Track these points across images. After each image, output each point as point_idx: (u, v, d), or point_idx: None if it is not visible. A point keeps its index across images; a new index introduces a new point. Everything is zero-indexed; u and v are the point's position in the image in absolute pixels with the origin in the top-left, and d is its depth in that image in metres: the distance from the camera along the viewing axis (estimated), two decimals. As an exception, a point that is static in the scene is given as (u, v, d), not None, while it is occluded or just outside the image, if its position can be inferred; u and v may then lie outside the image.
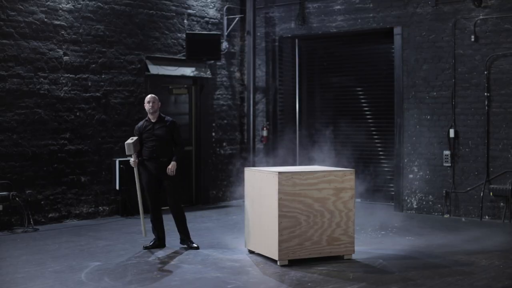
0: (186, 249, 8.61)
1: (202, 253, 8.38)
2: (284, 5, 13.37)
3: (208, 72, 12.92)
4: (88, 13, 10.98)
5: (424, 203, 11.63)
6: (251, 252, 8.38)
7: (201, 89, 12.91)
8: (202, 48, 12.33)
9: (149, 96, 8.74)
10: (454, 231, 9.99)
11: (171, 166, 8.55)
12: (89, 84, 11.05)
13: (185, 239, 8.75)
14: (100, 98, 11.20)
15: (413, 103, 11.74)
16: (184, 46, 12.36)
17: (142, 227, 8.87)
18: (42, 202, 10.42)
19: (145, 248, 8.63)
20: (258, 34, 13.67)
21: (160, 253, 8.39)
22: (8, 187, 9.92)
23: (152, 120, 8.70)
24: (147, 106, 8.67)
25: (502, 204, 10.80)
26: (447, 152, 11.32)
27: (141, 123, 8.83)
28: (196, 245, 8.66)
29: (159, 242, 8.74)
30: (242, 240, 8.86)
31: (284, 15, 13.40)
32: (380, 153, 12.87)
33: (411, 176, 11.76)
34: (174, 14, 12.33)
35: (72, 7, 10.78)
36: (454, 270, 7.50)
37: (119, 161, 11.23)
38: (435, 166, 11.48)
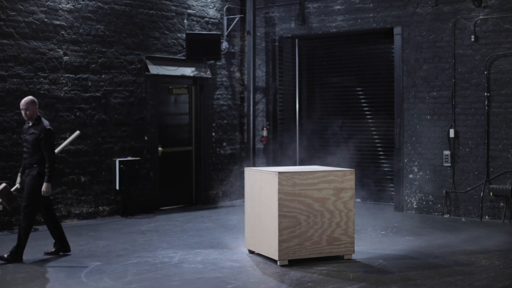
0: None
1: (202, 253, 8.38)
2: (284, 5, 13.37)
3: (208, 72, 12.92)
4: (88, 13, 10.98)
5: (424, 203, 11.63)
6: (251, 252, 8.38)
7: (201, 89, 12.91)
8: (202, 48, 12.33)
9: (21, 102, 8.09)
10: (454, 231, 9.98)
11: (45, 189, 7.91)
12: (89, 84, 11.05)
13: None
14: (100, 98, 11.19)
15: (413, 103, 11.74)
16: (184, 46, 12.35)
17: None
18: (42, 202, 10.42)
19: (46, 254, 8.28)
20: (258, 34, 13.67)
21: (160, 253, 8.38)
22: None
23: (28, 124, 8.14)
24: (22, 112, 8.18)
25: (502, 204, 10.80)
26: (447, 152, 11.32)
27: (25, 125, 8.26)
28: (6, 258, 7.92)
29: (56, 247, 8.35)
30: (242, 240, 8.86)
31: (284, 15, 13.40)
32: (380, 153, 12.87)
33: (411, 176, 11.76)
34: (174, 14, 12.32)
35: (72, 7, 10.78)
36: (454, 270, 7.50)
37: (119, 161, 11.23)
38: (435, 166, 11.48)
